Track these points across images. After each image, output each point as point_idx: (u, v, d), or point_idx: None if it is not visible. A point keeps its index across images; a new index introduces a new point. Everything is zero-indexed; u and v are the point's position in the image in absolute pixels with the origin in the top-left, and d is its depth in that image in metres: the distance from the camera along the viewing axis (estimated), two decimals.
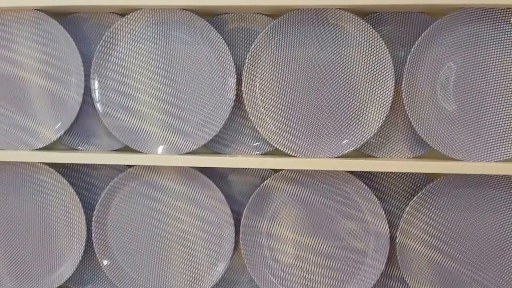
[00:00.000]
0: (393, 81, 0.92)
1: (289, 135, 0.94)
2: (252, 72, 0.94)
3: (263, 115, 0.95)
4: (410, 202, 0.93)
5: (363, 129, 0.93)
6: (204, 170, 0.98)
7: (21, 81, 0.98)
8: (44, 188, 1.00)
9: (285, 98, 0.94)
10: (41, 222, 1.01)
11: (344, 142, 0.94)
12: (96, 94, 0.97)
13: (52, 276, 1.02)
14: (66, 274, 1.00)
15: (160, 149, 0.96)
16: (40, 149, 0.98)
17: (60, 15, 1.00)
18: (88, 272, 1.05)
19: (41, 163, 0.98)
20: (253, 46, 0.92)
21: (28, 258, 1.02)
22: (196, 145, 0.96)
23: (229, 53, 0.94)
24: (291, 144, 0.94)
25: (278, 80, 0.94)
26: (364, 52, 0.92)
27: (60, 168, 1.02)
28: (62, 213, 1.01)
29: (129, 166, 0.99)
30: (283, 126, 0.94)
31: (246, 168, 1.01)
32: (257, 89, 0.95)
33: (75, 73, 0.97)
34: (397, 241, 0.94)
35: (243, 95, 0.94)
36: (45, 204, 1.01)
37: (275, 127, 0.94)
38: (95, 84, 0.97)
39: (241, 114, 0.99)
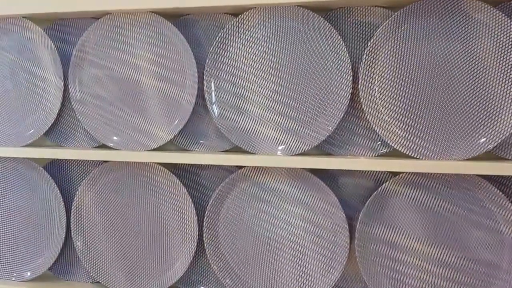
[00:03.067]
0: None
1: (411, 136, 0.87)
2: (370, 69, 0.88)
3: (382, 114, 0.89)
4: None
5: (500, 126, 0.84)
6: (314, 172, 0.95)
7: (137, 83, 1.00)
8: (157, 188, 1.02)
9: (407, 96, 0.88)
10: (154, 221, 1.02)
11: (481, 140, 0.85)
12: (212, 96, 0.96)
13: (164, 275, 1.02)
14: (177, 274, 1.01)
15: (279, 149, 0.94)
16: (155, 149, 0.99)
17: (173, 17, 1.01)
18: (197, 273, 1.04)
19: (155, 163, 1.00)
20: (372, 40, 0.87)
21: (141, 257, 1.03)
22: (308, 146, 0.92)
23: (345, 49, 0.89)
24: (413, 145, 0.87)
25: (400, 76, 0.88)
26: (499, 44, 0.83)
27: (172, 168, 1.03)
28: (175, 213, 1.01)
29: (239, 167, 0.98)
30: (405, 126, 0.88)
31: (360, 171, 0.95)
32: (376, 87, 0.89)
33: (189, 75, 0.97)
34: None
35: (360, 93, 0.89)
36: (158, 204, 1.02)
37: (395, 127, 0.88)
38: (211, 86, 0.96)
39: (355, 114, 0.94)
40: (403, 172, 0.88)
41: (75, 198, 1.05)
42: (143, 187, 1.02)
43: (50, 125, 1.04)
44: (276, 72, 0.94)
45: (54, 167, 1.10)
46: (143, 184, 1.02)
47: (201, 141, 1.01)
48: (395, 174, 0.91)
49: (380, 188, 0.89)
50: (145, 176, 1.02)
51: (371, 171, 0.94)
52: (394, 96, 0.88)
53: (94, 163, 1.08)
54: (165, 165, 1.02)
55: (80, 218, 1.06)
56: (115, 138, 1.01)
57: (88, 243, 1.05)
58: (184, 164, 1.02)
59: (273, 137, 0.94)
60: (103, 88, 1.02)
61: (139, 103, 1.00)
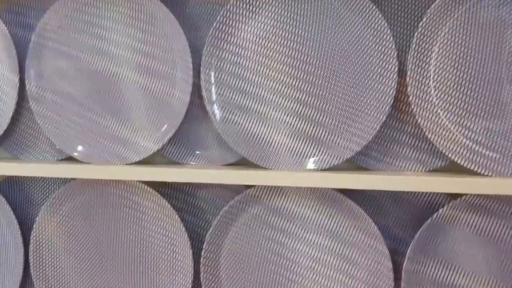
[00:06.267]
0: None
1: (478, 145, 0.69)
2: (423, 58, 0.69)
3: (438, 117, 0.70)
4: None
5: None
6: (346, 193, 0.77)
7: (114, 77, 0.83)
8: (141, 214, 0.84)
9: (474, 94, 0.69)
10: (137, 256, 0.85)
11: None
12: (212, 94, 0.78)
13: None
14: None
15: (309, 162, 0.75)
16: (137, 163, 0.83)
17: None
18: None
19: (138, 181, 0.82)
20: (424, 19, 0.68)
21: None
22: (339, 159, 0.74)
23: (389, 32, 0.71)
24: (480, 158, 0.68)
25: (464, 68, 0.69)
26: None
27: (160, 187, 0.86)
28: (164, 245, 0.83)
29: (248, 187, 0.80)
30: (469, 133, 0.69)
31: (408, 192, 0.77)
32: (431, 82, 0.70)
33: (181, 66, 0.80)
34: None
35: (409, 89, 0.70)
36: (142, 234, 0.84)
37: (457, 134, 0.69)
38: (211, 81, 0.78)
39: (399, 117, 0.76)
40: (466, 194, 0.70)
41: (34, 227, 0.86)
42: (123, 213, 0.84)
43: (3, 132, 0.87)
44: (297, 63, 0.75)
45: (9, 186, 0.92)
46: (123, 208, 0.84)
47: (197, 152, 0.84)
48: (454, 196, 0.73)
49: (435, 215, 0.71)
50: (124, 198, 0.84)
51: (423, 192, 0.76)
52: (456, 94, 0.69)
53: (60, 181, 0.90)
54: (151, 183, 0.85)
55: (40, 253, 0.86)
56: (84, 148, 0.83)
57: (52, 284, 0.86)
58: (175, 182, 0.86)
59: (292, 147, 0.76)
60: (69, 83, 0.84)
61: (117, 103, 0.83)
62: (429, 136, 0.70)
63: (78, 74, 0.83)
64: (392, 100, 0.72)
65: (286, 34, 0.75)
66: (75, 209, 0.85)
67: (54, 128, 0.84)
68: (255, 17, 0.76)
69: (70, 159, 0.89)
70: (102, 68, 0.83)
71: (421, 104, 0.69)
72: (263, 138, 0.77)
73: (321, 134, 0.75)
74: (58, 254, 0.87)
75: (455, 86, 0.69)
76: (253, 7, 0.76)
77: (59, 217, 0.86)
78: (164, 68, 0.81)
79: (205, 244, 0.79)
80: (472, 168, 0.68)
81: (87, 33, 0.83)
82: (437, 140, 0.69)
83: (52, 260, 0.86)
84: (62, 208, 0.85)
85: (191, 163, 0.85)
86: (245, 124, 0.77)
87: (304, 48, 0.75)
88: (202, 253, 0.79)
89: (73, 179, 0.86)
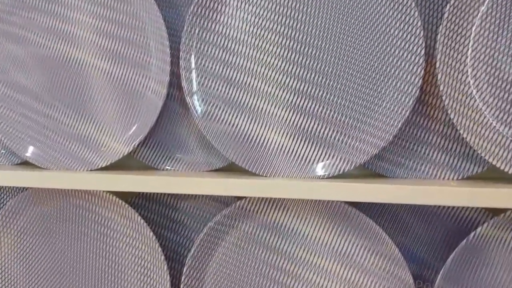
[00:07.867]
0: None
1: None
2: (456, 38, 0.58)
3: (476, 112, 0.58)
4: None
5: None
6: (360, 207, 0.67)
7: (76, 65, 0.72)
8: (109, 230, 0.73)
9: None
10: (103, 278, 0.74)
11: None
12: (192, 83, 0.68)
13: None
14: None
15: (314, 169, 0.64)
16: (103, 169, 0.72)
17: None
18: None
19: (105, 191, 0.71)
20: None
21: None
22: (350, 164, 0.63)
23: (414, 5, 0.60)
24: None
25: (510, 51, 0.57)
26: None
27: (132, 197, 0.76)
28: (135, 267, 0.72)
29: (239, 198, 0.70)
30: None
31: (434, 206, 0.66)
32: (467, 67, 0.57)
33: (156, 51, 0.69)
34: None
35: (439, 77, 0.58)
36: (110, 253, 0.74)
37: (502, 132, 0.58)
38: (191, 67, 0.67)
39: (426, 112, 0.65)
40: (509, 209, 0.58)
41: None
42: (87, 228, 0.74)
43: None
44: (297, 45, 0.64)
45: None
46: (87, 223, 0.74)
47: (177, 155, 0.73)
48: (496, 211, 0.62)
49: (471, 235, 0.59)
50: (89, 211, 0.74)
51: (455, 206, 0.66)
52: (500, 83, 0.57)
53: (15, 190, 0.80)
54: (121, 193, 0.75)
55: None
56: (38, 149, 0.73)
57: None
58: (150, 193, 0.76)
59: (291, 150, 0.65)
60: (24, 73, 0.73)
61: (80, 96, 0.72)
62: (464, 136, 0.58)
63: (34, 62, 0.73)
64: (417, 91, 0.60)
65: (284, 10, 0.64)
66: (31, 224, 0.75)
67: (5, 126, 0.73)
68: None
69: (28, 163, 0.78)
70: (62, 54, 0.72)
71: (454, 96, 0.57)
72: (255, 138, 0.66)
73: (328, 133, 0.64)
74: (12, 276, 0.76)
75: (499, 73, 0.57)
76: None
77: (12, 233, 0.75)
78: (136, 53, 0.70)
79: (185, 268, 0.68)
80: None
81: (45, 12, 0.71)
82: (474, 141, 0.57)
83: (5, 284, 0.76)
84: (16, 222, 0.75)
85: (169, 168, 0.75)
86: (233, 121, 0.67)
87: (306, 27, 0.64)
88: (182, 279, 0.68)
89: (29, 188, 0.75)
